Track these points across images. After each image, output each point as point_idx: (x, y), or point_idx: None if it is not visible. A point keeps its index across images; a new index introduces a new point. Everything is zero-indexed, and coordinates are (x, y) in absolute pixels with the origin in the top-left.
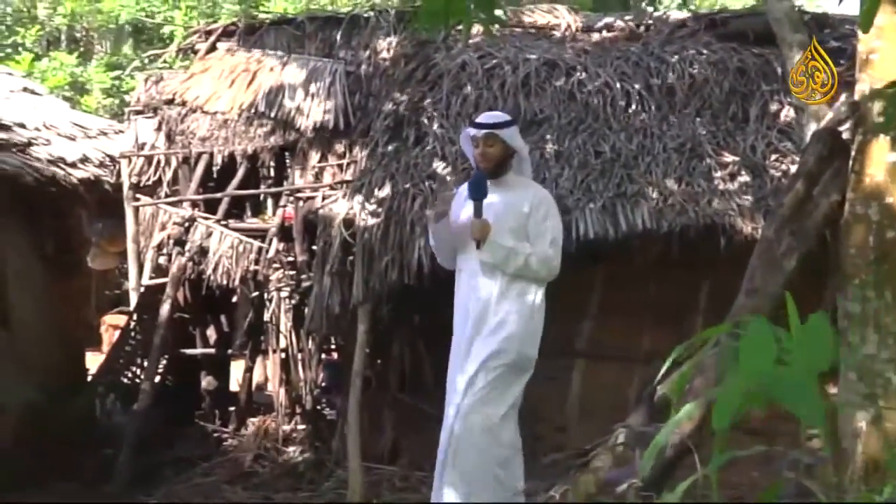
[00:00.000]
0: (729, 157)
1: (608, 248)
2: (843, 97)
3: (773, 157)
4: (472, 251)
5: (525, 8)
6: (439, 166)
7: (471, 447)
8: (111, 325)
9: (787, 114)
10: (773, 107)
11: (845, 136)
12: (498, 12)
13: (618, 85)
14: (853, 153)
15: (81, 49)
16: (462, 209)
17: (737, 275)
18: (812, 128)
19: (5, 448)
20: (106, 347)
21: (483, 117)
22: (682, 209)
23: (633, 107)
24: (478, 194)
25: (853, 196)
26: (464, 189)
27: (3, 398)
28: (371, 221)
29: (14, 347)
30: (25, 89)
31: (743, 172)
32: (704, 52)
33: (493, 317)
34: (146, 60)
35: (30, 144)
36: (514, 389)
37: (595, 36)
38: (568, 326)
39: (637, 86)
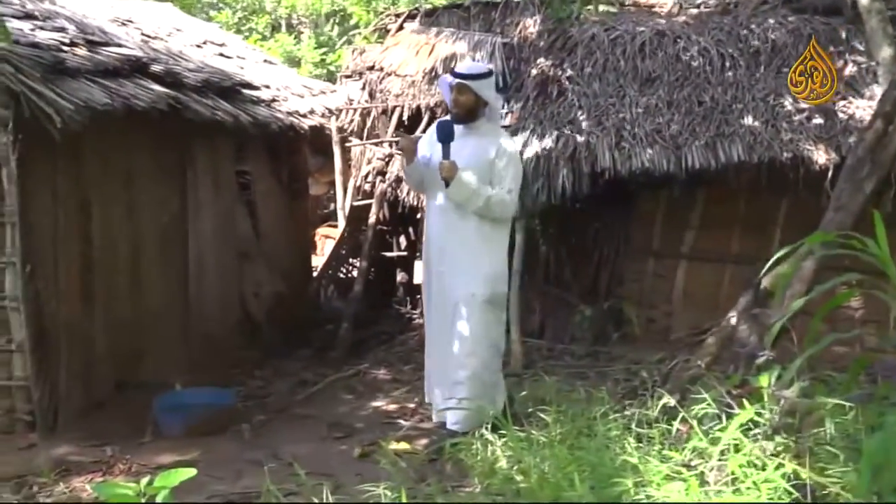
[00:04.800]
0: (805, 105)
1: (709, 176)
2: None
3: (841, 103)
4: (441, 189)
5: None
6: (576, 114)
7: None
8: (323, 235)
9: (851, 70)
10: (839, 64)
11: None
12: None
13: (714, 49)
14: None
15: (297, 32)
16: (432, 149)
17: (810, 196)
18: (887, 78)
19: (261, 323)
20: (320, 252)
21: (460, 67)
22: (768, 145)
23: (727, 66)
24: (445, 137)
25: None
26: (431, 131)
27: (259, 288)
28: (525, 156)
29: (263, 250)
30: (265, 61)
31: (817, 116)
32: (783, 22)
33: (468, 256)
34: (350, 39)
35: (273, 101)
36: (494, 326)
37: (694, 11)
38: (675, 235)
39: (730, 50)
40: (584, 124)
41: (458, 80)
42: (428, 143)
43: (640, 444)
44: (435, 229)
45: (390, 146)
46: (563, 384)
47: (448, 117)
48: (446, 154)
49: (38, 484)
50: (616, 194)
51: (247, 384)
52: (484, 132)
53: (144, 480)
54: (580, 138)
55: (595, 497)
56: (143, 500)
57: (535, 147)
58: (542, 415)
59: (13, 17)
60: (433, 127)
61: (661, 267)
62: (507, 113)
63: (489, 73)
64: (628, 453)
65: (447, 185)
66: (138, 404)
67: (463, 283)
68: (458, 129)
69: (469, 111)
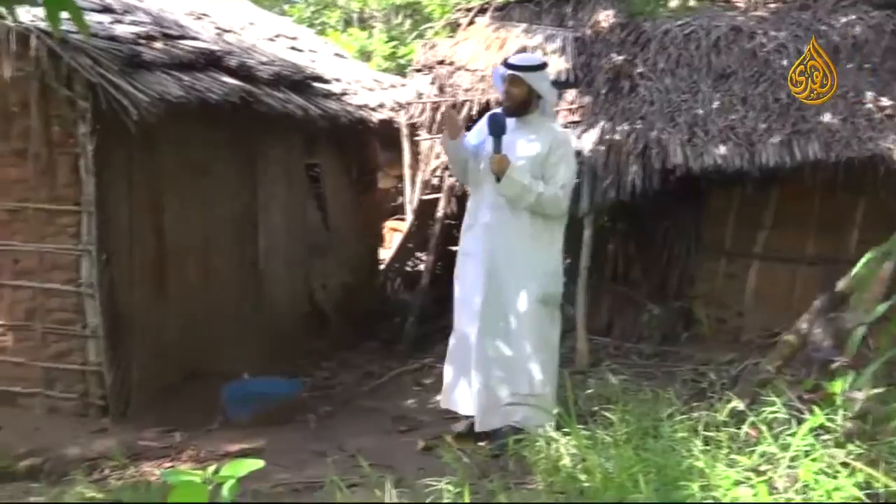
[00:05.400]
0: (886, 102)
1: (783, 174)
2: None
3: None
4: (492, 183)
5: None
6: (648, 110)
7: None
8: (391, 228)
9: None
10: None
11: None
12: None
13: (791, 45)
14: None
15: (369, 27)
16: (483, 141)
17: (889, 196)
18: None
19: (328, 315)
20: (387, 246)
21: (514, 58)
22: (846, 143)
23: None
24: (497, 130)
25: None
26: (483, 123)
27: (328, 280)
28: (595, 152)
29: (332, 244)
30: (336, 54)
31: None
32: (863, 17)
33: (521, 255)
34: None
35: (344, 94)
36: (550, 327)
37: (772, 6)
38: (748, 234)
39: (807, 45)
40: (655, 120)
41: (510, 72)
42: (477, 135)
43: (708, 448)
44: (482, 226)
45: None
46: (629, 383)
47: (499, 110)
48: (498, 148)
49: (110, 467)
50: (687, 191)
51: (313, 375)
52: (536, 126)
53: (211, 468)
54: (651, 134)
55: (660, 499)
56: (209, 488)
57: (604, 142)
58: (607, 414)
59: (92, 10)
60: (483, 119)
61: (732, 266)
62: (577, 108)
63: (543, 66)
64: (695, 456)
65: (498, 179)
66: (207, 392)
67: (515, 283)
68: (509, 122)
69: (522, 104)
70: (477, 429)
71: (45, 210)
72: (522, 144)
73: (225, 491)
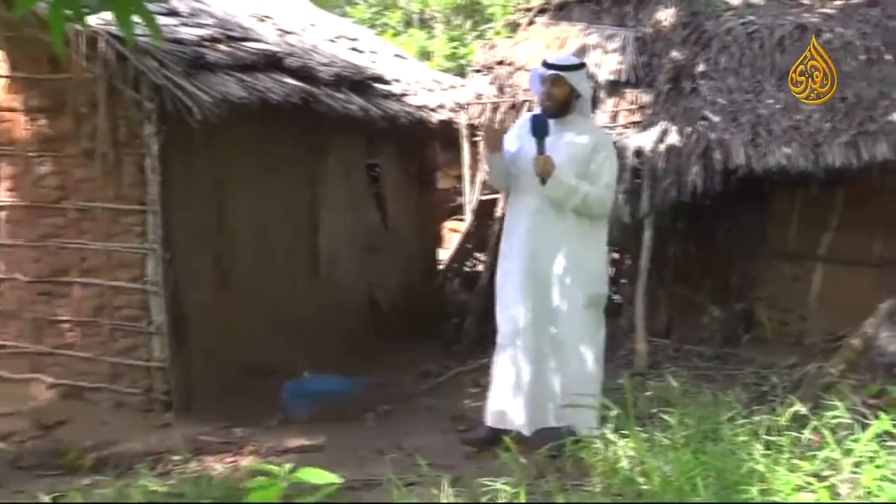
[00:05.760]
0: None
1: (850, 175)
2: None
3: None
4: (535, 186)
5: None
6: (709, 110)
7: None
8: (450, 228)
9: None
10: None
11: None
12: None
13: (858, 42)
14: None
15: (429, 27)
16: (522, 144)
17: None
18: None
19: (388, 313)
20: (446, 246)
21: (553, 58)
22: None
23: (873, 61)
24: (540, 132)
25: None
26: (519, 125)
27: (387, 279)
28: (655, 152)
29: (391, 243)
30: (397, 55)
31: None
32: None
33: (566, 257)
34: (482, 33)
35: (404, 94)
36: (596, 329)
37: (838, 3)
38: (812, 236)
39: (876, 43)
40: (717, 120)
41: (552, 72)
42: (516, 138)
43: (769, 452)
44: (525, 230)
45: None
46: (688, 386)
47: (539, 111)
48: (541, 149)
49: (173, 461)
50: (749, 192)
51: (372, 373)
52: (577, 126)
53: (285, 465)
54: (713, 135)
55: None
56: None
57: (665, 142)
58: (666, 416)
59: (159, 14)
60: (520, 122)
61: (796, 269)
62: (637, 107)
63: (583, 65)
64: (755, 460)
65: (543, 181)
66: (267, 389)
67: (562, 286)
68: (550, 123)
69: (563, 104)
70: (527, 433)
71: (111, 209)
72: (565, 145)
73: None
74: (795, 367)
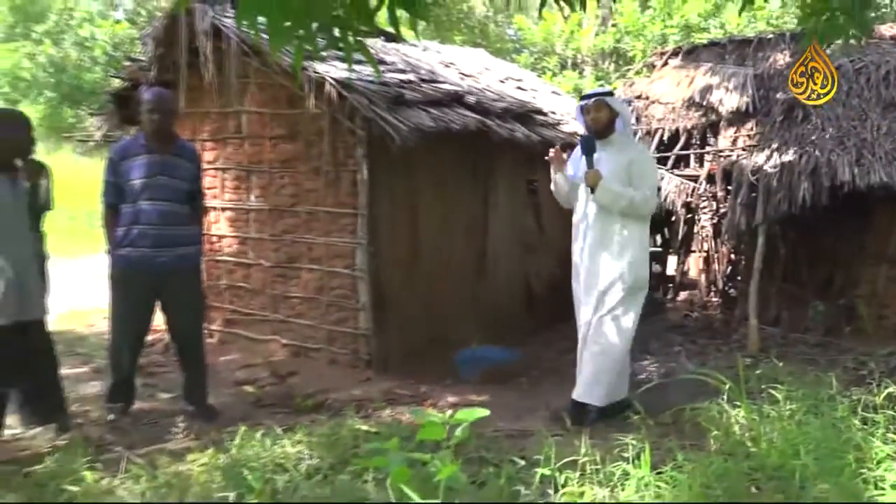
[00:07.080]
0: None
1: None
2: None
3: None
4: (588, 196)
5: (887, 25)
6: (819, 135)
7: (600, 353)
8: None
9: None
10: None
11: None
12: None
13: None
14: None
15: (580, 69)
16: (578, 165)
17: None
18: None
19: (542, 297)
20: None
21: (590, 91)
22: None
23: None
24: (589, 150)
25: None
26: (577, 150)
27: (539, 269)
28: (770, 170)
29: (544, 243)
30: (553, 92)
31: None
32: None
33: (611, 251)
34: (623, 73)
35: (558, 123)
36: (634, 309)
37: None
38: None
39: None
40: (825, 144)
41: (595, 99)
42: (573, 163)
43: (865, 427)
44: (581, 233)
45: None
46: (794, 368)
47: (586, 134)
48: (590, 164)
49: (372, 407)
50: (853, 206)
51: (526, 346)
52: (619, 143)
53: (448, 412)
54: (821, 156)
55: (817, 467)
56: (446, 427)
57: (777, 161)
58: (773, 392)
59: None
60: (576, 149)
61: (894, 271)
62: (755, 134)
63: (612, 92)
64: (852, 433)
65: (593, 191)
66: (444, 356)
67: (606, 273)
68: (597, 143)
69: (606, 125)
70: (580, 399)
71: (331, 212)
72: (609, 159)
73: (458, 431)
74: (892, 355)
